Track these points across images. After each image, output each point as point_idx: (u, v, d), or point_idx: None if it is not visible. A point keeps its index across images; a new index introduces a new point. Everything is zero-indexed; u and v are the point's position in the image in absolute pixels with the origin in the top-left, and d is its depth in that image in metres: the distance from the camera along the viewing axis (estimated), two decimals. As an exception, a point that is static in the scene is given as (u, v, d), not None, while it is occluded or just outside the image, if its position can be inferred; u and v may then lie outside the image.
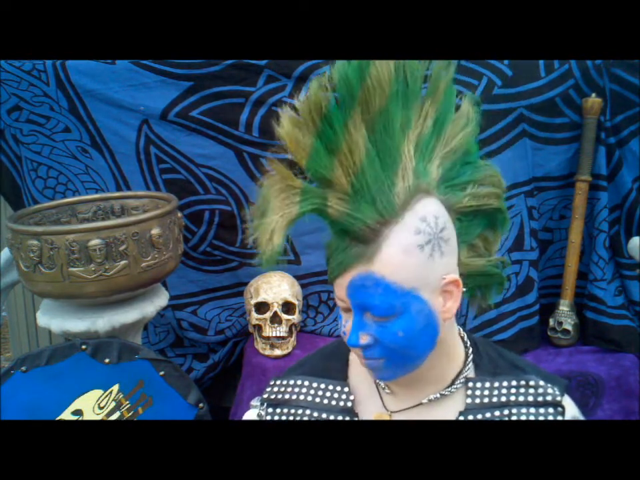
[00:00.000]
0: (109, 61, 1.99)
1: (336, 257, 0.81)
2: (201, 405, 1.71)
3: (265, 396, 1.00)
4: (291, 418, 0.96)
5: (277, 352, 2.05)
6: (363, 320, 0.81)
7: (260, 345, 2.08)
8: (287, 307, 2.07)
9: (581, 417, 0.90)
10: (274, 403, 0.99)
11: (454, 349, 0.91)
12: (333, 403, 0.95)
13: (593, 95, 1.99)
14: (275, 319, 2.05)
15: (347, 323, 0.84)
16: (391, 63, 0.79)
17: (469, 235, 0.88)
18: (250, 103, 2.03)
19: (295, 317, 2.08)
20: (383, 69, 0.78)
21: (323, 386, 0.97)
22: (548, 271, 2.22)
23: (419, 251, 0.78)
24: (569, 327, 2.06)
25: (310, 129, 0.81)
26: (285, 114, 0.81)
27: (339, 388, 0.96)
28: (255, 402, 1.05)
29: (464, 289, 0.85)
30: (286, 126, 0.82)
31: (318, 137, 0.80)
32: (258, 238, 0.82)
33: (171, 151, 2.09)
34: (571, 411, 0.89)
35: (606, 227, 2.06)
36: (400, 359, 0.83)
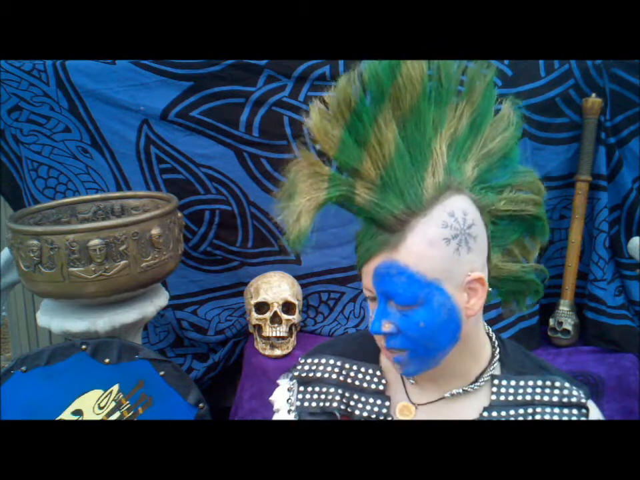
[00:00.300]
0: (108, 61, 1.98)
1: (363, 244, 0.82)
2: (201, 405, 1.70)
3: (296, 373, 1.01)
4: (323, 397, 0.96)
5: (277, 352, 2.05)
6: (386, 309, 0.83)
7: (260, 345, 2.08)
8: (287, 306, 2.07)
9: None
10: (305, 381, 0.99)
11: (479, 346, 0.92)
12: (365, 385, 0.96)
13: (593, 94, 1.99)
14: (275, 319, 2.05)
15: (373, 314, 0.85)
16: (424, 62, 0.81)
17: (504, 239, 0.89)
18: (250, 103, 2.03)
19: (295, 317, 2.08)
20: (415, 68, 0.80)
21: (355, 367, 0.98)
22: (548, 271, 2.21)
23: (444, 243, 0.79)
24: (569, 327, 2.06)
25: (339, 122, 0.83)
26: (314, 107, 0.84)
27: (371, 371, 0.97)
28: (283, 379, 1.05)
29: (490, 290, 0.85)
30: (314, 118, 0.84)
31: (347, 129, 0.82)
32: (284, 220, 0.84)
33: (171, 150, 2.09)
34: (595, 415, 0.90)
35: (606, 227, 2.06)
36: (422, 351, 0.84)
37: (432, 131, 0.81)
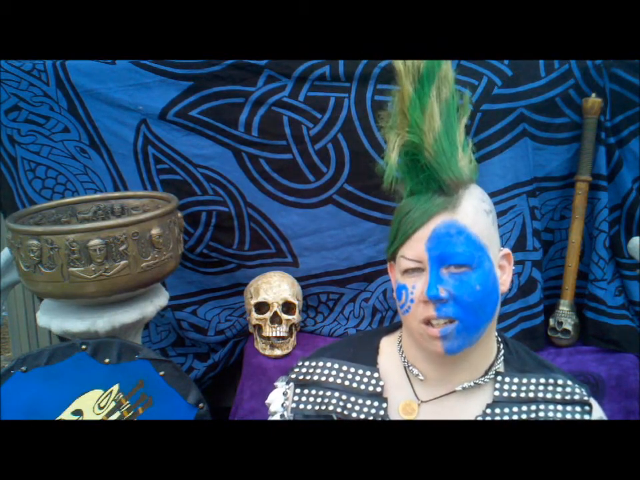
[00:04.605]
0: (108, 60, 1.98)
1: (417, 209, 0.87)
2: (200, 405, 1.70)
3: (293, 376, 1.02)
4: (319, 400, 0.97)
5: (277, 352, 2.05)
6: (440, 275, 0.85)
7: (260, 345, 2.08)
8: (287, 307, 2.07)
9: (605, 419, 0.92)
10: (302, 384, 1.00)
11: (492, 341, 0.95)
12: (362, 387, 0.96)
13: (593, 94, 1.99)
14: (275, 319, 2.05)
15: (414, 290, 0.87)
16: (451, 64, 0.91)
17: None
18: (250, 103, 2.03)
19: (295, 317, 2.08)
20: (449, 69, 0.90)
21: (352, 370, 0.99)
22: (549, 272, 2.22)
23: (485, 215, 0.89)
24: (569, 327, 2.06)
25: (412, 84, 0.89)
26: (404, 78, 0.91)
27: (368, 373, 0.98)
28: (280, 381, 1.05)
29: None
30: (404, 81, 0.90)
31: (415, 91, 0.89)
32: (386, 141, 0.93)
33: (168, 151, 2.09)
34: (598, 413, 0.90)
35: (606, 226, 2.05)
36: (470, 320, 0.86)
37: (456, 125, 0.90)
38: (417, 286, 0.86)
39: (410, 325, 0.90)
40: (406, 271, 0.88)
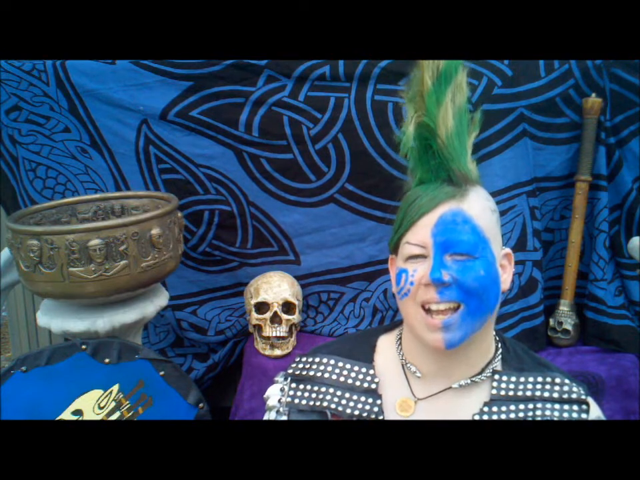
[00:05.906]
0: (108, 60, 1.98)
1: (425, 195, 0.89)
2: (200, 405, 1.70)
3: (290, 371, 1.03)
4: (314, 395, 0.98)
5: (277, 352, 2.05)
6: (443, 261, 0.86)
7: (260, 345, 2.08)
8: (287, 307, 2.07)
9: (604, 418, 0.92)
10: (298, 379, 1.01)
11: (491, 339, 0.96)
12: (357, 383, 0.97)
13: (593, 94, 1.99)
14: (275, 319, 2.05)
15: (414, 273, 0.88)
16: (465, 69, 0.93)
17: None
18: (250, 103, 2.03)
19: (295, 317, 2.08)
20: (465, 75, 0.92)
21: (348, 366, 1.00)
22: (550, 272, 2.22)
23: (490, 212, 0.91)
24: (569, 327, 2.06)
25: (431, 78, 0.91)
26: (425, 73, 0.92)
27: (364, 369, 0.98)
28: (279, 377, 1.06)
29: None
30: (425, 74, 0.92)
31: (433, 84, 0.91)
32: (405, 113, 0.95)
33: (170, 151, 2.09)
34: (595, 412, 0.90)
35: (606, 226, 2.05)
36: (475, 305, 0.86)
37: (467, 130, 0.92)
38: (418, 270, 0.87)
39: (407, 311, 0.90)
40: (409, 258, 0.89)
